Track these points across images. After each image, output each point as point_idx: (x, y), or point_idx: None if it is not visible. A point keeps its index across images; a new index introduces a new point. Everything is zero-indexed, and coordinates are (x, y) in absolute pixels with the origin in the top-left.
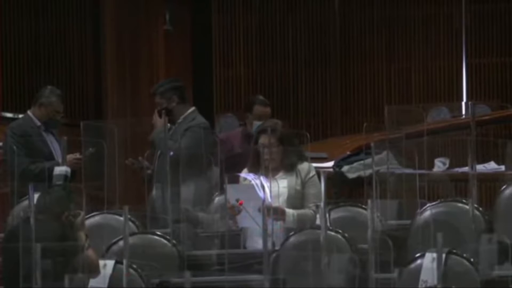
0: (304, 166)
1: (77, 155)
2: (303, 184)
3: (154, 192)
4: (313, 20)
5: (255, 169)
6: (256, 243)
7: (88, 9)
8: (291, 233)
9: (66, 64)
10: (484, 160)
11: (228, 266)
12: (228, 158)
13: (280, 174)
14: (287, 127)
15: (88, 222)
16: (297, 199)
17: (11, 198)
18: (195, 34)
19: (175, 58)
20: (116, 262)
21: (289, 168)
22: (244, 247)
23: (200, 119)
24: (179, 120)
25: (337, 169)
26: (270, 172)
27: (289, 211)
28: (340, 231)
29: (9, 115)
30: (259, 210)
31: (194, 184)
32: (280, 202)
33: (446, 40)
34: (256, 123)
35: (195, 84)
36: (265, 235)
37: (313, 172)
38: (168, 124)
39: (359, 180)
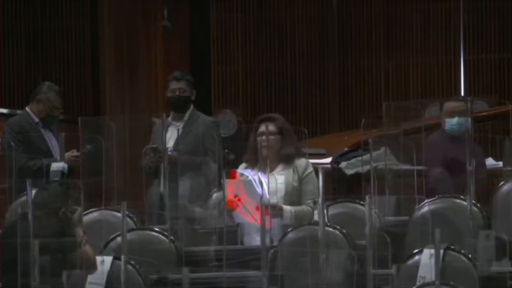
0: (301, 163)
1: (75, 152)
2: (301, 180)
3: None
4: (311, 16)
5: (252, 161)
6: (253, 239)
7: (86, 5)
8: (289, 229)
9: (64, 60)
10: None
11: (226, 262)
12: (448, 166)
13: (278, 170)
14: (287, 123)
15: (86, 218)
16: (294, 195)
17: (9, 194)
18: (193, 30)
19: (173, 54)
20: (114, 258)
21: (286, 160)
22: (241, 243)
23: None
24: (186, 116)
25: (335, 165)
26: (267, 164)
27: (287, 208)
28: (338, 227)
29: (7, 111)
30: (257, 206)
31: (196, 179)
32: (277, 199)
33: (444, 36)
34: (449, 120)
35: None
36: (263, 231)
37: (310, 169)
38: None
39: (357, 176)
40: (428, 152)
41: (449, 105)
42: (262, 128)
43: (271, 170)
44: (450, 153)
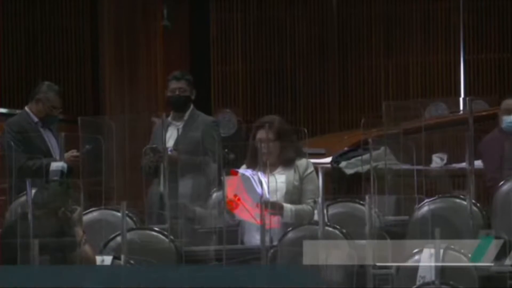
0: (302, 162)
1: (74, 152)
2: (301, 179)
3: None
4: (311, 16)
5: (253, 164)
6: (253, 238)
7: (86, 4)
8: (289, 229)
9: (64, 60)
10: None
11: (226, 262)
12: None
13: (279, 169)
14: (284, 122)
15: (86, 218)
16: (294, 194)
17: (9, 194)
18: (193, 30)
19: (173, 54)
20: (114, 258)
21: (287, 163)
22: (242, 242)
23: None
24: (186, 115)
25: (335, 165)
26: (267, 167)
27: (287, 206)
28: (338, 226)
29: (6, 111)
30: (257, 205)
31: (196, 179)
32: (277, 197)
33: (444, 35)
34: (505, 118)
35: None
36: (263, 230)
37: (311, 168)
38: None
39: (357, 176)
40: (485, 151)
41: (507, 102)
42: (260, 134)
43: (272, 170)
44: (507, 151)
